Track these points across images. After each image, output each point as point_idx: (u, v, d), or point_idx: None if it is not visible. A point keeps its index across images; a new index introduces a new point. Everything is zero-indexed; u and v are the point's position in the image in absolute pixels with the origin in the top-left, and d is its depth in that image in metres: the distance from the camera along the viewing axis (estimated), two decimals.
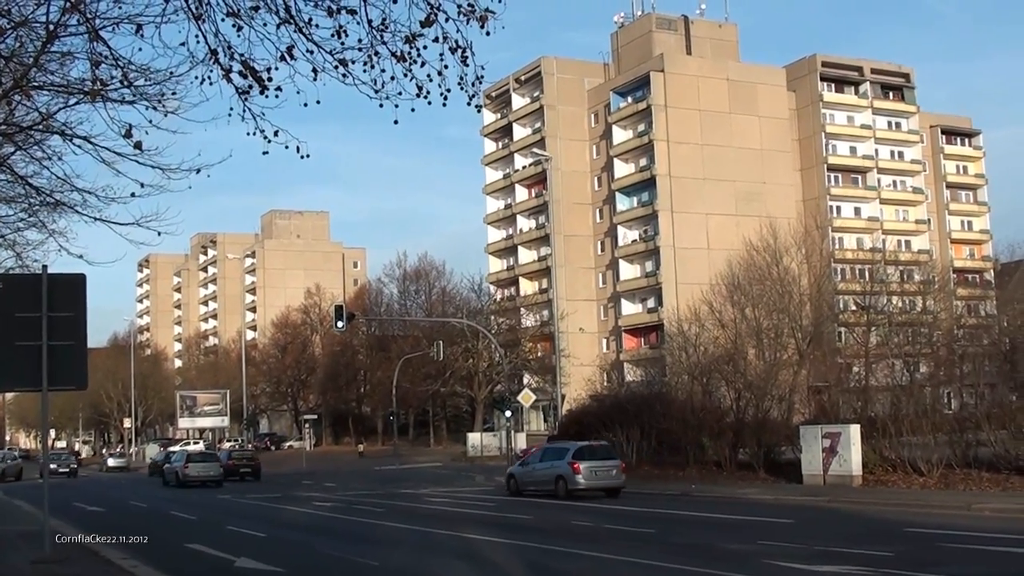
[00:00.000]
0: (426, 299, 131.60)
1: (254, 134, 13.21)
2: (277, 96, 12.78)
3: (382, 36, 12.31)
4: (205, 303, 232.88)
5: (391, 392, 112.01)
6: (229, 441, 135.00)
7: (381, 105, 12.75)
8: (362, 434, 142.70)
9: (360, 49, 12.47)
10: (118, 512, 46.26)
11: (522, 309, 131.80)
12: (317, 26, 12.35)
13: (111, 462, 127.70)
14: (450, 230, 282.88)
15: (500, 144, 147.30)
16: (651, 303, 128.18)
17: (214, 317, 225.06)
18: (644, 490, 49.18)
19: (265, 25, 12.40)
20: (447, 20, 12.07)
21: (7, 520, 38.67)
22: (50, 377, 21.41)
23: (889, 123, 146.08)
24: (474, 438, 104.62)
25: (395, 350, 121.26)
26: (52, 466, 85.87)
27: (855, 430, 44.33)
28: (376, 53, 12.45)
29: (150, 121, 16.30)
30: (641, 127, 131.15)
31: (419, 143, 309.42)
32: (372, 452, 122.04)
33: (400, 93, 12.69)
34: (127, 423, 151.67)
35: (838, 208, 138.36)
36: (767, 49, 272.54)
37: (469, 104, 12.88)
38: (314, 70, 12.54)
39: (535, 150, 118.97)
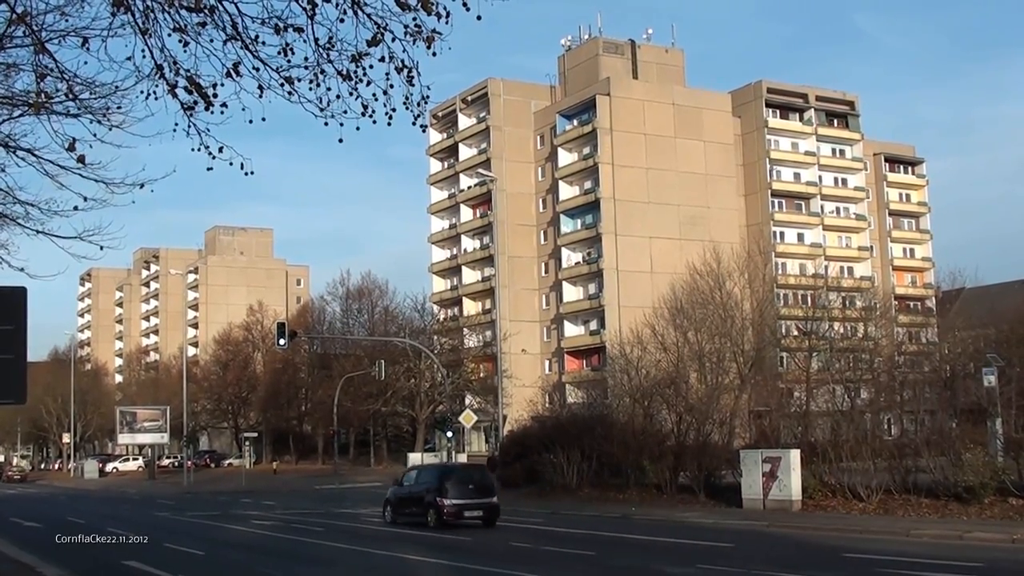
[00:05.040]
0: (369, 318, 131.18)
1: (199, 150, 13.18)
2: (222, 112, 12.77)
3: (328, 55, 12.31)
4: (147, 318, 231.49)
5: (332, 411, 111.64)
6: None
7: (326, 123, 12.75)
8: (302, 453, 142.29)
9: (306, 67, 12.47)
10: (55, 526, 45.92)
11: (465, 329, 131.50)
12: (264, 43, 12.34)
13: None
14: (394, 249, 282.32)
15: (446, 164, 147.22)
16: (594, 325, 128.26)
17: (156, 333, 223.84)
18: (584, 512, 49.20)
19: (212, 41, 12.38)
20: (393, 40, 12.07)
21: None
22: None
23: (833, 150, 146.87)
24: (415, 458, 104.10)
25: (337, 369, 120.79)
26: None
27: (795, 455, 44.43)
28: (322, 71, 12.44)
29: (94, 135, 16.21)
30: (586, 150, 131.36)
31: (364, 162, 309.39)
32: (312, 471, 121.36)
33: (345, 112, 12.69)
34: (66, 438, 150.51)
35: (781, 234, 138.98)
36: (713, 75, 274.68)
37: (414, 124, 12.91)
38: (260, 87, 12.51)
39: (481, 171, 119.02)
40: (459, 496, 43.63)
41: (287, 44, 12.22)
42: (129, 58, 12.99)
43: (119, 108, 16.40)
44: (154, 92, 13.04)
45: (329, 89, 12.56)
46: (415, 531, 41.67)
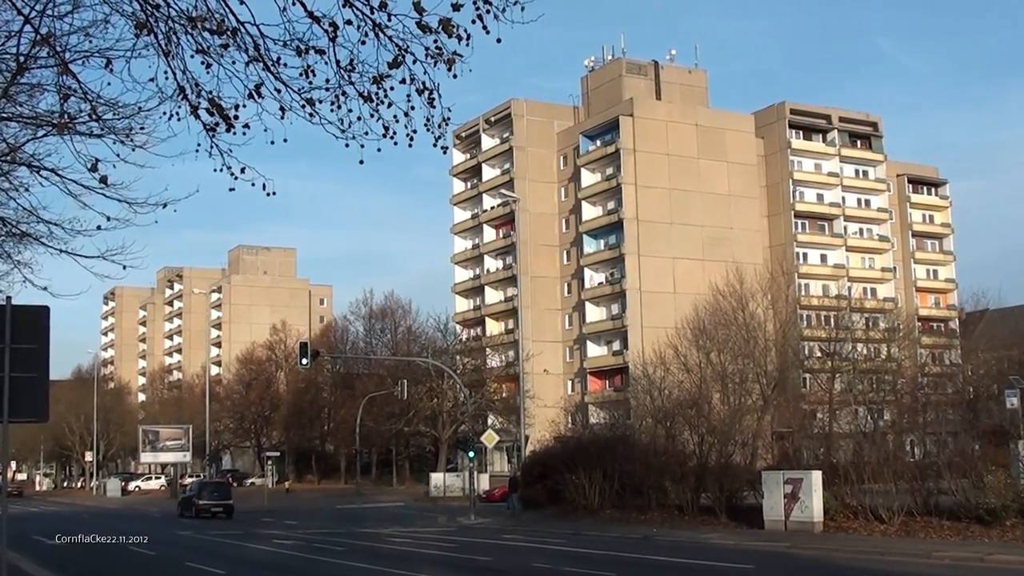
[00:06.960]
0: (392, 338, 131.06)
1: (221, 170, 13.23)
2: (244, 133, 12.78)
3: (350, 76, 12.31)
4: (170, 337, 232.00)
5: (355, 430, 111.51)
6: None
7: (347, 145, 12.74)
8: (325, 472, 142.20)
9: (328, 89, 12.47)
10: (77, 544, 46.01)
11: (488, 349, 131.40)
12: (285, 65, 12.35)
13: None
14: (417, 269, 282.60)
15: (469, 184, 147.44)
16: (616, 346, 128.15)
17: (179, 351, 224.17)
18: (606, 533, 49.12)
19: (234, 63, 12.39)
20: (414, 62, 12.05)
21: None
22: (11, 409, 21.17)
23: (856, 171, 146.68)
24: (437, 478, 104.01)
25: (360, 388, 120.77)
26: None
27: (817, 476, 44.27)
28: (343, 93, 12.45)
29: (118, 155, 16.29)
30: (609, 170, 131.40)
31: (387, 182, 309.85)
32: (334, 490, 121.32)
33: (367, 133, 12.68)
34: (88, 456, 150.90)
35: (804, 255, 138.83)
36: (736, 96, 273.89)
37: (435, 145, 12.87)
38: (281, 108, 12.52)
39: (503, 191, 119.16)
40: (208, 499, 76.47)
41: (309, 66, 12.25)
42: (152, 79, 13.09)
43: (142, 129, 16.48)
44: (177, 113, 13.12)
45: (350, 111, 12.58)
46: (438, 551, 41.78)
